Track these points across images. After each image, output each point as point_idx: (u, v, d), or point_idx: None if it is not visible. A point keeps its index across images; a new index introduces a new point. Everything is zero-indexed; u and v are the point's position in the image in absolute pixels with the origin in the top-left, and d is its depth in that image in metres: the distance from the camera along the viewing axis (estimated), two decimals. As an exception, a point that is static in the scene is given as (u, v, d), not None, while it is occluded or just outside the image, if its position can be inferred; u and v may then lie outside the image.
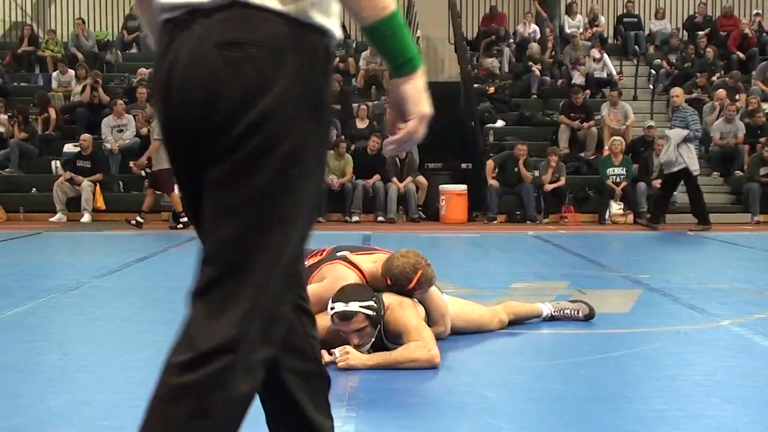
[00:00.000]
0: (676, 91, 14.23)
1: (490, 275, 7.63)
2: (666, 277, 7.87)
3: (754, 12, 21.31)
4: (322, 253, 4.76)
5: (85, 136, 15.41)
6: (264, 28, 1.79)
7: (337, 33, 1.89)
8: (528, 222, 14.92)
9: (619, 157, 15.32)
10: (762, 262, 9.75)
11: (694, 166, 13.26)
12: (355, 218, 14.96)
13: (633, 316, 5.76)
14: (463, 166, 16.49)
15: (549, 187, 15.21)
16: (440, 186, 15.42)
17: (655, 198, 14.46)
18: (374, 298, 4.24)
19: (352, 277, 4.48)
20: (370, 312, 4.17)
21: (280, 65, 1.79)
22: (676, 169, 13.24)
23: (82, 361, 4.39)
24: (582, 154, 16.62)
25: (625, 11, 21.36)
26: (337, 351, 4.15)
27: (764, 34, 20.37)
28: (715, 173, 16.62)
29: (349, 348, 4.16)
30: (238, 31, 1.79)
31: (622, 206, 15.33)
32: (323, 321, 4.31)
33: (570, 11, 20.85)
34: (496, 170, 15.35)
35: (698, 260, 10.13)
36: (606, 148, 15.93)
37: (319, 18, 1.85)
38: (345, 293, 4.22)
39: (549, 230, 13.55)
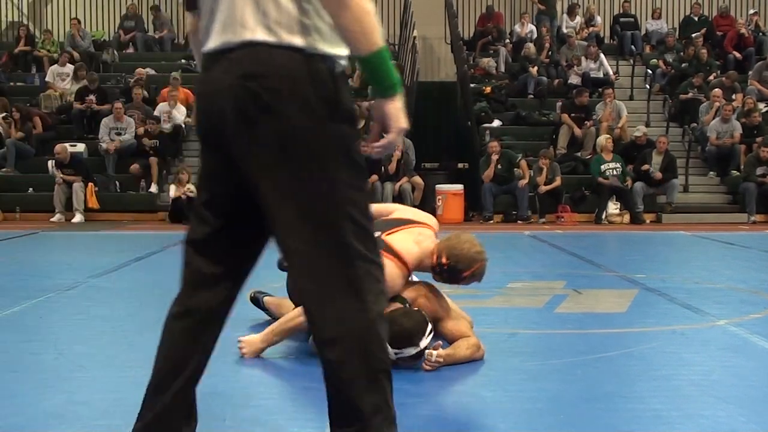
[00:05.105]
0: None
1: (487, 275, 7.62)
2: (662, 276, 7.87)
3: (751, 12, 21.33)
4: None
5: (59, 148, 15.36)
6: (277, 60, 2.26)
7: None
8: (521, 222, 14.93)
9: (610, 155, 15.37)
10: (758, 261, 9.76)
11: None
12: (352, 218, 14.94)
13: (629, 316, 5.77)
14: (460, 165, 16.50)
15: (544, 189, 15.23)
16: (436, 186, 15.43)
17: None
18: (418, 312, 4.16)
19: (395, 274, 4.11)
20: (432, 335, 4.12)
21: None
22: None
23: (79, 360, 4.38)
24: (578, 154, 16.62)
25: (621, 11, 21.38)
26: (434, 354, 4.07)
27: (760, 33, 20.38)
28: (711, 173, 16.63)
29: (440, 350, 4.12)
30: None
31: (618, 206, 15.35)
32: None
33: (571, 12, 20.85)
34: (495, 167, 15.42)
35: (694, 260, 10.14)
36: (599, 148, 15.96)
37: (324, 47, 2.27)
38: (408, 333, 3.99)
39: (545, 230, 13.56)
